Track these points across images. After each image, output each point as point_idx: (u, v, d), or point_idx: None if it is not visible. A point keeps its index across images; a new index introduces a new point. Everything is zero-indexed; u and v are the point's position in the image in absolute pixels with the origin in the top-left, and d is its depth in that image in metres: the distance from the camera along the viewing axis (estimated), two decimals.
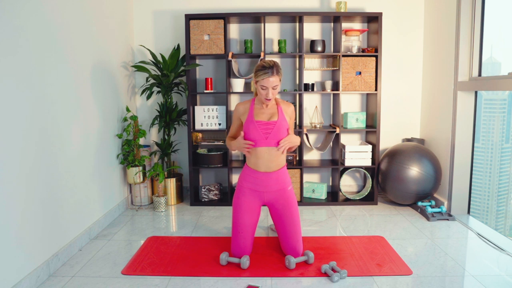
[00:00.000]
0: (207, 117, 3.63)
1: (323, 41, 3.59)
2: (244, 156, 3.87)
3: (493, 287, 2.16)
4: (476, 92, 3.24)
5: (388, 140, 3.97)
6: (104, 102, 3.17)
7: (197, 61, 3.86)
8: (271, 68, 2.33)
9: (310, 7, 3.85)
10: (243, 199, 2.49)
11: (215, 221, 3.25)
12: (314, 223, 3.21)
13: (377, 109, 3.58)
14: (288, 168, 3.51)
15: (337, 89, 3.62)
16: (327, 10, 3.85)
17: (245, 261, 2.36)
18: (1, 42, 1.95)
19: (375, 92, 3.59)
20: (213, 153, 3.66)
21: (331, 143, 3.84)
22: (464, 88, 3.18)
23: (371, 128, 3.66)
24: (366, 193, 3.77)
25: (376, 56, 3.55)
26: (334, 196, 3.79)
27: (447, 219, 3.21)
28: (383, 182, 3.53)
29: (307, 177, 4.01)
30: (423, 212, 3.33)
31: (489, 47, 3.26)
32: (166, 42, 3.89)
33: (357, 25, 3.83)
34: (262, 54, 3.51)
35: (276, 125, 2.42)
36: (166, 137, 3.74)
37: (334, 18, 3.66)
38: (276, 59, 3.84)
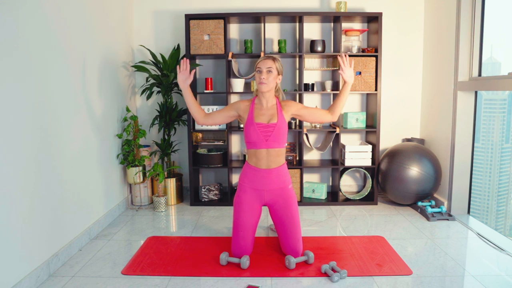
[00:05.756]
0: None
1: (323, 41, 3.59)
2: (244, 156, 3.87)
3: (493, 287, 2.16)
4: (476, 92, 3.24)
5: (388, 140, 3.97)
6: (104, 102, 3.17)
7: (197, 61, 3.86)
8: (270, 56, 2.50)
9: (310, 7, 3.85)
10: (244, 197, 2.49)
11: (215, 221, 3.25)
12: (314, 223, 3.21)
13: (377, 109, 3.58)
14: (288, 168, 3.50)
15: (337, 89, 3.62)
16: (327, 10, 3.85)
17: (245, 261, 2.36)
18: (2, 42, 1.95)
19: (375, 92, 3.59)
20: (213, 153, 3.66)
21: (331, 143, 3.84)
22: (464, 88, 3.18)
23: (371, 128, 3.66)
24: (366, 193, 3.77)
25: (376, 56, 3.55)
26: (334, 196, 3.79)
27: (447, 219, 3.21)
28: (383, 182, 3.53)
29: (307, 177, 4.01)
30: (423, 212, 3.33)
31: (489, 47, 3.26)
32: (166, 42, 3.89)
33: (357, 25, 3.83)
34: (262, 54, 3.50)
35: (276, 128, 2.44)
36: (166, 137, 3.74)
37: (334, 18, 3.65)
38: None
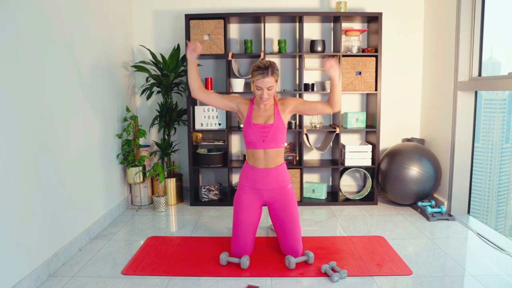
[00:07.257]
0: (207, 117, 3.63)
1: (323, 41, 3.59)
2: (245, 156, 3.87)
3: (493, 287, 2.16)
4: (476, 92, 3.24)
5: (388, 140, 3.97)
6: (104, 102, 3.17)
7: (197, 61, 3.86)
8: (266, 68, 2.32)
9: (310, 7, 3.85)
10: (244, 197, 2.49)
11: (215, 221, 3.25)
12: (314, 223, 3.21)
13: (377, 109, 3.58)
14: (288, 168, 3.50)
15: None
16: (327, 10, 3.85)
17: (245, 261, 2.36)
18: (2, 42, 1.95)
19: (375, 92, 3.59)
20: (213, 153, 3.66)
21: (331, 143, 3.84)
22: (464, 88, 3.18)
23: (371, 128, 3.66)
24: (366, 193, 3.77)
25: (376, 56, 3.55)
26: (334, 196, 3.79)
27: (447, 219, 3.21)
28: (383, 182, 3.53)
29: (307, 177, 4.01)
30: (423, 212, 3.33)
31: (489, 47, 3.26)
32: (166, 42, 3.89)
33: (357, 25, 3.83)
34: (262, 54, 3.50)
35: (273, 128, 2.43)
36: (166, 137, 3.74)
37: (334, 18, 3.66)
38: (276, 59, 3.85)
